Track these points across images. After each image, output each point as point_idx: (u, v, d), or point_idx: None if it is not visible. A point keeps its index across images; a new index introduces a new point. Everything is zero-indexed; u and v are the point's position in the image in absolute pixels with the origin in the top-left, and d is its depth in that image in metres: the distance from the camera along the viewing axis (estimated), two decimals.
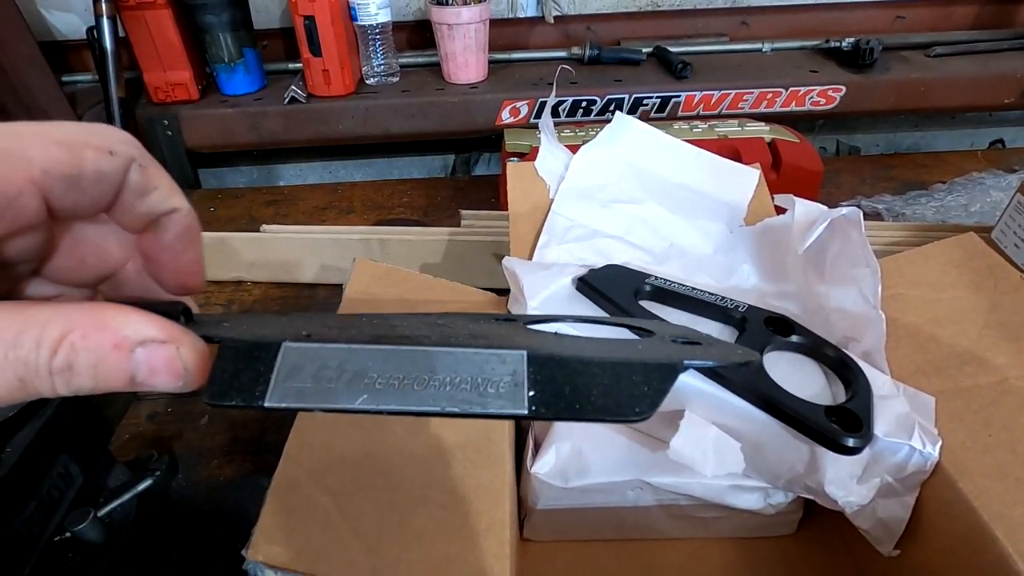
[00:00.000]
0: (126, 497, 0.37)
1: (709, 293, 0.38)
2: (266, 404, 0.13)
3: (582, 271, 0.40)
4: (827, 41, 0.93)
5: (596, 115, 0.86)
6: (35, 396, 0.13)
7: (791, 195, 0.42)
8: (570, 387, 0.14)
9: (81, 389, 0.13)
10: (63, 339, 0.12)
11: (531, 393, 0.14)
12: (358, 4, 0.79)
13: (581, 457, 0.35)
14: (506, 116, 0.85)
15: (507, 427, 0.34)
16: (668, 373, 0.15)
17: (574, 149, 0.71)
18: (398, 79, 0.89)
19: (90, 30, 0.78)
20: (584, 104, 0.85)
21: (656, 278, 0.39)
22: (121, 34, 0.77)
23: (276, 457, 0.48)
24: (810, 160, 0.70)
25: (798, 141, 0.71)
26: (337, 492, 0.25)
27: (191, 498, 0.44)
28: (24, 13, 0.76)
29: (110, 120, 0.77)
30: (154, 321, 0.14)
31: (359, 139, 0.86)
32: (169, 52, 0.80)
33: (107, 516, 0.36)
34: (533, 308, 0.37)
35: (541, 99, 0.84)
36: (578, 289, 0.39)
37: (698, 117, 0.87)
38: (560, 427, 0.37)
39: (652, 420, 0.36)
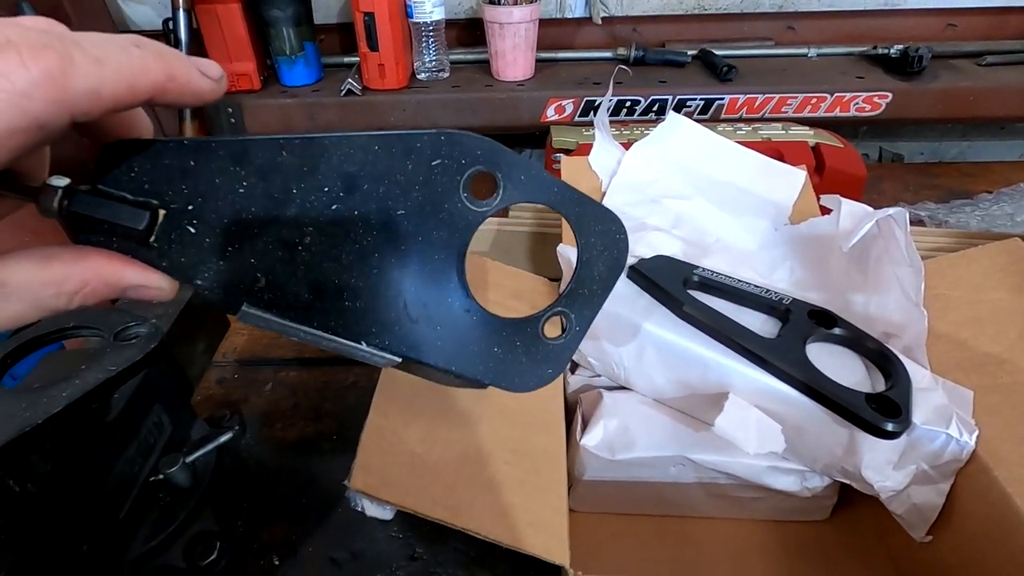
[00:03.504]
0: (209, 447, 0.41)
1: (754, 285, 0.40)
2: (239, 320, 0.19)
3: (632, 260, 0.43)
4: (875, 47, 0.93)
5: (640, 115, 0.88)
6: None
7: (837, 196, 0.43)
8: (416, 370, 0.22)
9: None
10: (77, 293, 0.17)
11: (396, 364, 0.21)
12: (415, 2, 0.83)
13: (627, 432, 0.38)
14: (551, 113, 0.88)
15: (560, 400, 0.37)
16: (475, 385, 0.22)
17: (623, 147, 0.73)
18: (448, 75, 0.92)
19: (166, 21, 0.83)
20: (628, 104, 0.87)
21: (703, 269, 0.41)
22: (194, 26, 0.82)
23: (334, 422, 0.52)
24: (854, 165, 0.70)
25: (842, 146, 0.72)
26: (418, 441, 0.28)
27: (259, 455, 0.47)
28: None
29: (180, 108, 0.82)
30: (139, 271, 0.18)
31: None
32: (236, 44, 0.84)
33: (192, 463, 0.40)
34: None
35: (587, 98, 0.86)
36: (629, 277, 0.42)
37: (741, 120, 0.88)
38: (608, 404, 0.39)
39: (696, 400, 0.38)
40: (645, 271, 0.41)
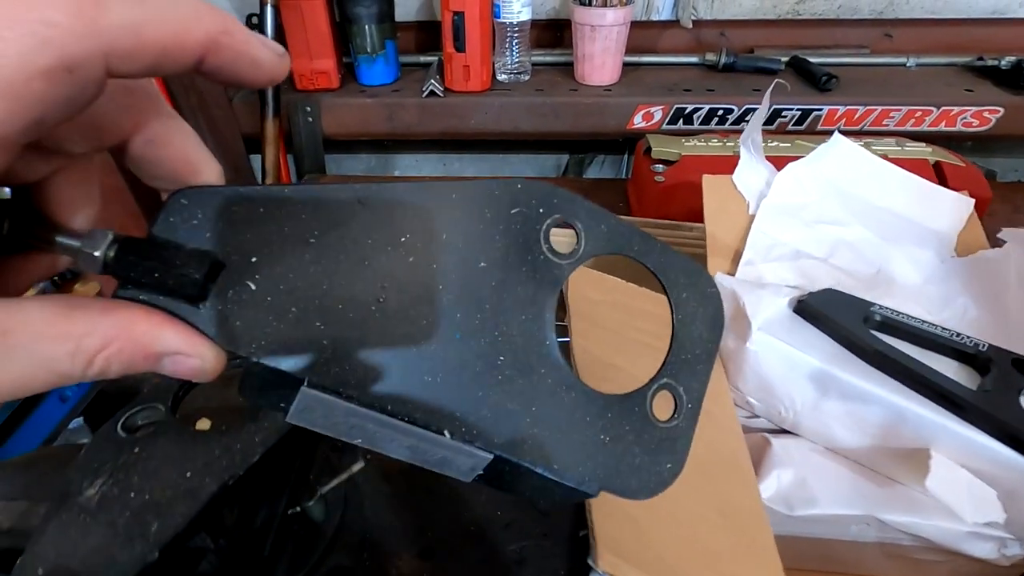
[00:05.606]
0: (343, 477, 0.38)
1: (943, 328, 0.37)
2: (288, 419, 0.16)
3: (795, 292, 0.39)
4: (980, 58, 0.88)
5: (731, 124, 0.84)
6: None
7: (1016, 229, 0.39)
8: (508, 480, 0.18)
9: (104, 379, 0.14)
10: (99, 353, 0.13)
11: (480, 473, 0.18)
12: (503, 2, 0.80)
13: (806, 486, 0.35)
14: (639, 121, 0.84)
15: (742, 440, 0.34)
16: (579, 496, 0.18)
17: (722, 160, 0.69)
18: (528, 77, 0.89)
19: (250, 17, 0.81)
20: (720, 113, 0.83)
21: (882, 307, 0.38)
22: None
23: None
24: (978, 186, 0.66)
25: (963, 165, 0.68)
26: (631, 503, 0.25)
27: (377, 482, 0.45)
28: None
29: (263, 106, 0.80)
30: (181, 334, 0.14)
31: (489, 135, 0.87)
32: (318, 41, 0.82)
33: (323, 497, 0.38)
34: (757, 328, 0.37)
35: (676, 105, 0.83)
36: (796, 311, 0.39)
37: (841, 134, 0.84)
38: (778, 452, 0.36)
39: (886, 455, 0.35)
40: (817, 306, 0.38)
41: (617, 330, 0.36)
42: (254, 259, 0.16)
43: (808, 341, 0.37)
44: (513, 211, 0.18)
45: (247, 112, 0.84)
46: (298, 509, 0.36)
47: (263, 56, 0.14)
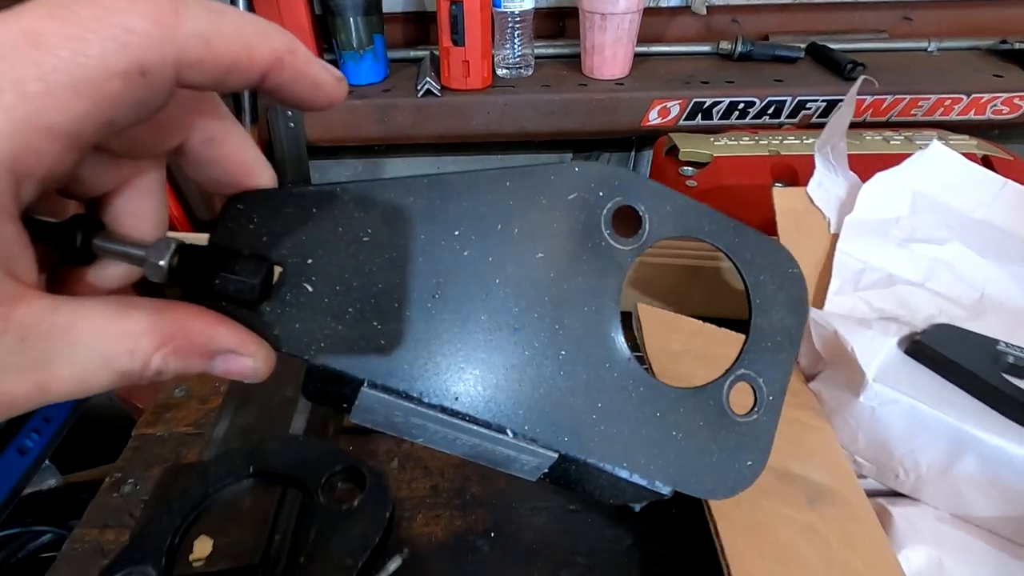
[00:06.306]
0: None
1: None
2: (351, 418, 0.16)
3: (904, 330, 0.33)
4: (1004, 41, 0.84)
5: (752, 118, 0.78)
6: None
7: None
8: (575, 479, 0.17)
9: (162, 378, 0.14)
10: (156, 351, 0.14)
11: (545, 472, 0.17)
12: None
13: (942, 569, 0.29)
14: (654, 117, 0.78)
15: (871, 512, 0.28)
16: (650, 496, 0.17)
17: (758, 161, 0.63)
18: (531, 72, 0.81)
19: None
20: (741, 106, 0.77)
21: (1008, 344, 0.32)
22: None
23: (487, 511, 0.43)
24: None
25: (1012, 159, 0.63)
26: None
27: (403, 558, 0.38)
28: None
29: (239, 113, 0.72)
30: (233, 333, 0.15)
31: (491, 137, 0.79)
32: (297, 35, 0.73)
33: None
34: (872, 379, 0.31)
35: (695, 99, 0.76)
36: (908, 352, 0.33)
37: (865, 125, 0.79)
38: (901, 525, 0.30)
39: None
40: (934, 346, 0.32)
41: None
42: (310, 261, 0.16)
43: (933, 392, 0.31)
44: (571, 196, 0.18)
45: None
46: None
47: (323, 78, 0.15)
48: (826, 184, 0.39)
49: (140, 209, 0.16)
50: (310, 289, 0.16)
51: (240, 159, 0.16)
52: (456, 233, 0.17)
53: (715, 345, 0.33)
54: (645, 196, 0.18)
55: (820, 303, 0.36)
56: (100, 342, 0.13)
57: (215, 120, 0.16)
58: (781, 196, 0.40)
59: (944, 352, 0.31)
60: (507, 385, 0.16)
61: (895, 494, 0.33)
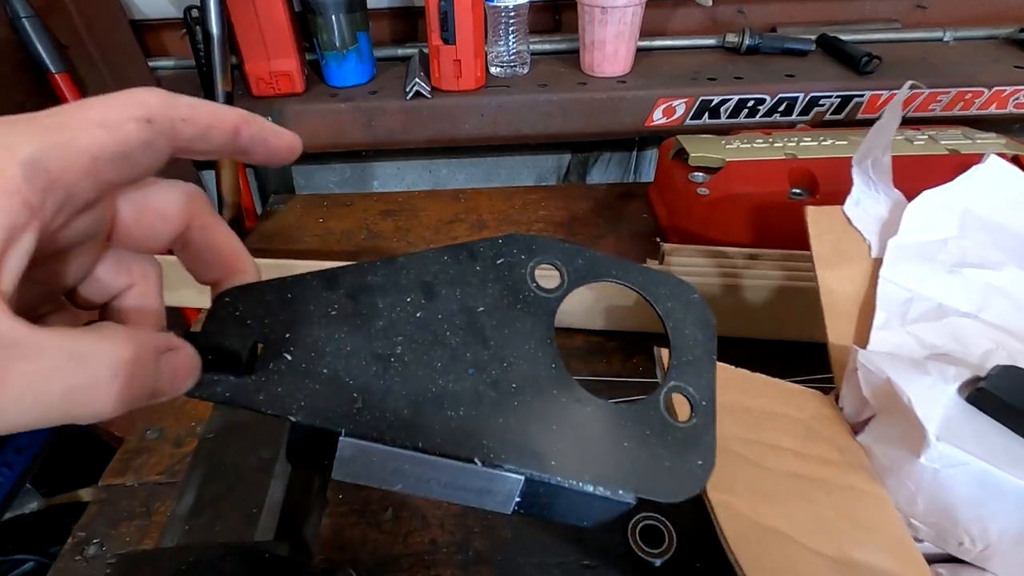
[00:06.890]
0: None
1: None
2: (333, 476, 0.19)
3: (965, 374, 0.29)
4: (1022, 30, 0.80)
5: (763, 116, 0.74)
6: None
7: None
8: (545, 503, 0.20)
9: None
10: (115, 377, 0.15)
11: (517, 500, 0.19)
12: None
13: None
14: (658, 116, 0.73)
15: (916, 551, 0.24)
16: (618, 508, 0.19)
17: (776, 166, 0.59)
18: (527, 70, 0.77)
19: (188, 11, 0.67)
20: (751, 103, 0.73)
21: None
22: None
23: (491, 570, 0.39)
24: None
25: None
26: None
27: None
28: None
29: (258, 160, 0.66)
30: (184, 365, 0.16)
31: (485, 141, 0.75)
32: (275, 36, 0.68)
33: None
34: (935, 436, 0.27)
35: (702, 97, 0.72)
36: (970, 401, 0.29)
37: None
38: None
39: None
40: (1001, 394, 0.28)
41: (753, 459, 0.26)
42: (288, 335, 0.19)
43: (1004, 449, 0.27)
44: (499, 261, 0.22)
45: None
46: None
47: (273, 141, 0.19)
48: (865, 203, 0.35)
49: (142, 310, 0.19)
50: (290, 358, 0.18)
51: (230, 245, 0.20)
52: (408, 299, 0.20)
53: (751, 396, 0.29)
54: (559, 254, 0.22)
55: (864, 340, 0.32)
56: (58, 359, 0.14)
57: (208, 214, 0.19)
58: (815, 216, 0.35)
59: (1012, 401, 0.28)
60: (469, 419, 0.19)
61: (955, 559, 0.29)
